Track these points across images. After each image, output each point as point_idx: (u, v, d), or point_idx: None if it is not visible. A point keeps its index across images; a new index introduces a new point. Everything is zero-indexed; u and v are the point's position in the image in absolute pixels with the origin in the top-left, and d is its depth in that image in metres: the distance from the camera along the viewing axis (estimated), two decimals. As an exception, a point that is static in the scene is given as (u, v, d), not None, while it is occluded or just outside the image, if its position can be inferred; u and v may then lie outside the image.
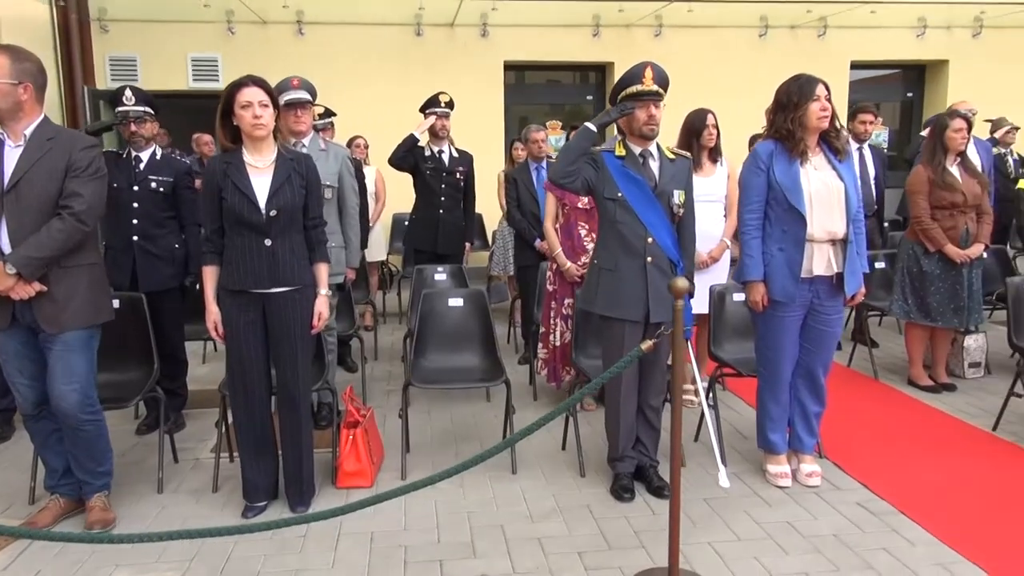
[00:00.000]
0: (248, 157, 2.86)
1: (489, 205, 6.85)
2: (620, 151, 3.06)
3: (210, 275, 2.93)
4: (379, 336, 5.95)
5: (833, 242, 3.04)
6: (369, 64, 8.10)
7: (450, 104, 5.00)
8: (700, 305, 3.91)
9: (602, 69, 8.91)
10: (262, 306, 2.90)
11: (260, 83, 2.81)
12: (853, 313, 5.47)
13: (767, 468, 3.35)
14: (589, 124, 2.96)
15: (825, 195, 3.00)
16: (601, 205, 3.07)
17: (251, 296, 2.88)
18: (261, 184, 2.84)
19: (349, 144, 6.30)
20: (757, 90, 8.70)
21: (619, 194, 2.99)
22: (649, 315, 3.01)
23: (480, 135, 7.99)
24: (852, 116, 5.53)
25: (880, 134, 9.42)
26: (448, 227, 5.05)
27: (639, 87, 2.97)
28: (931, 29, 9.01)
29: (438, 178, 5.02)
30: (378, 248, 6.35)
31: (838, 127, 3.10)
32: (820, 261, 3.03)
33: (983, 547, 2.74)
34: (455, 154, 5.11)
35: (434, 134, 5.01)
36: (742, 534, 2.88)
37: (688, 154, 3.20)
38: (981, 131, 6.73)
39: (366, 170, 6.25)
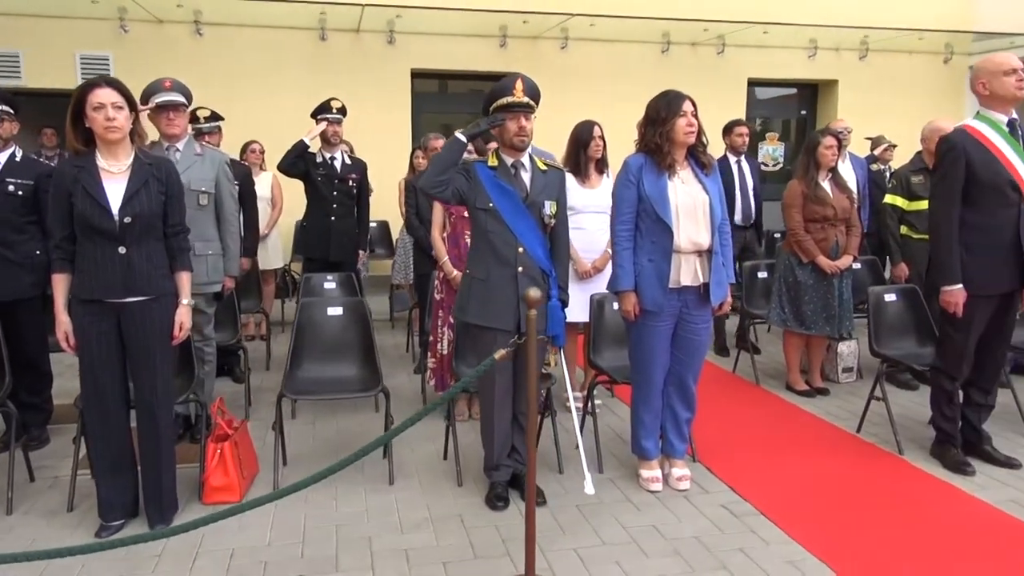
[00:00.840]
0: (102, 161, 2.75)
1: (395, 213, 6.80)
2: (493, 162, 3.09)
3: (60, 283, 2.80)
4: (273, 346, 5.81)
5: (699, 253, 3.14)
6: (271, 68, 7.93)
7: (342, 110, 4.94)
8: (581, 314, 3.98)
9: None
10: (116, 316, 2.78)
11: (114, 84, 2.71)
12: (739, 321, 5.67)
13: (640, 473, 3.43)
14: (459, 135, 2.98)
15: (691, 207, 3.10)
16: (473, 215, 3.08)
17: (104, 306, 2.76)
18: (115, 190, 2.73)
19: (244, 149, 6.15)
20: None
21: (490, 204, 3.01)
22: (520, 324, 3.04)
23: (387, 143, 7.94)
24: (728, 130, 5.76)
25: (776, 149, 9.86)
26: (340, 235, 4.98)
27: (510, 99, 3.01)
28: (821, 50, 9.47)
29: (330, 185, 4.95)
30: (275, 255, 6.21)
31: (704, 142, 3.21)
32: (687, 272, 3.13)
33: (832, 544, 2.88)
34: (348, 161, 5.05)
35: (325, 140, 4.94)
36: (608, 539, 2.94)
37: (561, 166, 3.25)
38: (864, 148, 7.15)
39: (262, 176, 6.13)
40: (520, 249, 3.03)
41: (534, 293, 2.33)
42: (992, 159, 3.36)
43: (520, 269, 3.03)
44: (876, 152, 7.17)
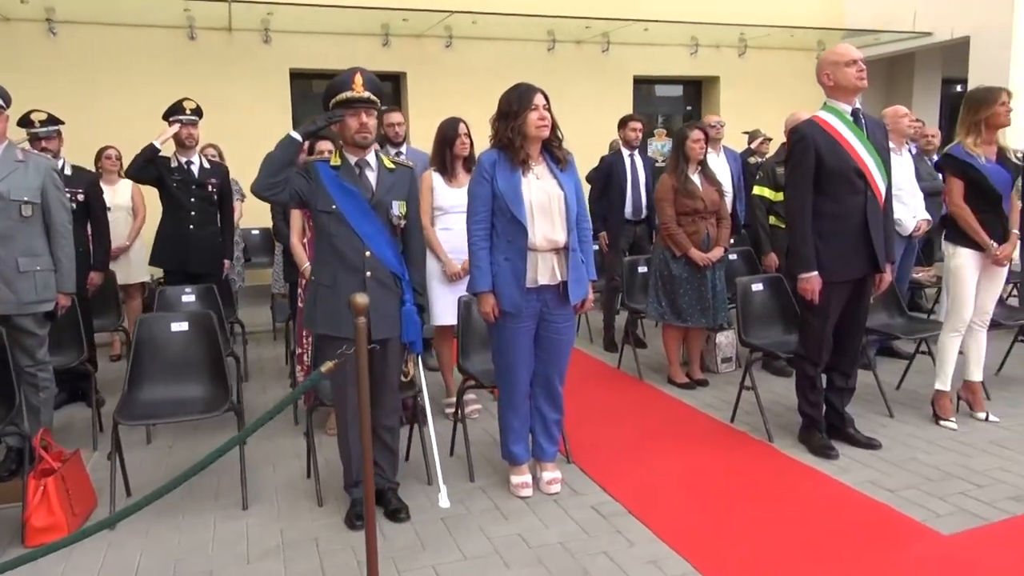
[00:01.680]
0: None
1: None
2: (335, 161, 2.91)
3: None
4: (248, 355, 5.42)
5: (556, 251, 3.06)
6: (134, 69, 7.43)
7: (197, 111, 4.64)
8: (453, 316, 3.86)
9: (395, 79, 8.78)
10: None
11: None
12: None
13: (510, 479, 3.33)
14: (293, 133, 2.79)
15: (546, 204, 3.02)
16: (316, 218, 2.90)
17: None
18: None
19: (99, 155, 5.72)
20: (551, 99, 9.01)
21: (333, 206, 2.84)
22: (370, 333, 2.88)
23: (267, 146, 7.55)
24: (622, 124, 5.76)
25: (665, 145, 10.02)
26: (200, 244, 4.67)
27: (349, 94, 2.83)
28: (703, 48, 9.70)
29: (186, 191, 4.63)
30: (139, 268, 5.80)
31: (560, 136, 3.13)
32: (544, 270, 3.04)
33: (694, 539, 2.85)
34: (207, 165, 4.75)
35: (180, 143, 4.63)
36: (470, 552, 2.81)
37: (411, 163, 3.11)
38: (743, 142, 7.33)
39: (120, 184, 5.72)
40: (367, 253, 2.86)
41: (360, 299, 2.18)
42: (839, 148, 3.44)
43: (368, 274, 2.87)
44: (753, 145, 7.35)
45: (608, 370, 5.34)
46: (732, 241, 5.81)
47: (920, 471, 3.44)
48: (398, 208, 2.92)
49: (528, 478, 3.31)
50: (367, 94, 2.85)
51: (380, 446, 3.09)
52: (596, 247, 6.12)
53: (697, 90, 10.32)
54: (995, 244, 3.81)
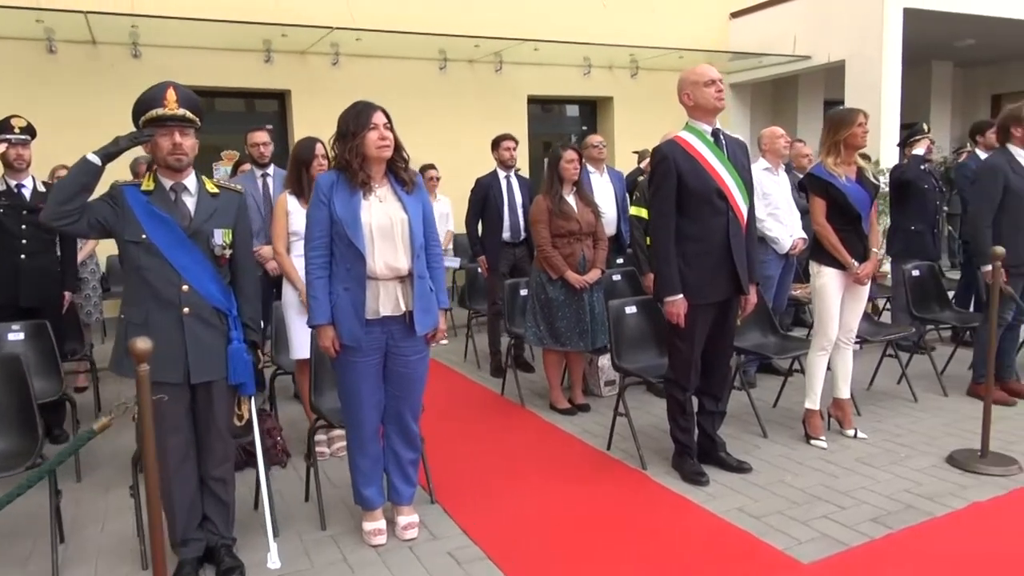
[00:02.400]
0: None
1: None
2: (148, 185, 2.63)
3: None
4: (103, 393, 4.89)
5: (400, 279, 2.85)
6: (-18, 84, 6.86)
7: (27, 130, 4.23)
8: (307, 350, 3.59)
9: (280, 97, 8.44)
10: None
11: None
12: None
13: (362, 526, 3.08)
14: (90, 156, 2.50)
15: (388, 228, 2.81)
16: (124, 250, 2.60)
17: None
18: None
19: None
20: (439, 123, 8.88)
21: (143, 236, 2.55)
22: (190, 375, 2.60)
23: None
24: (495, 144, 5.68)
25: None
26: (33, 275, 4.23)
27: (160, 111, 2.56)
28: (596, 68, 9.78)
29: (16, 217, 4.20)
30: None
31: (405, 157, 2.94)
32: (387, 300, 2.83)
33: (551, 585, 2.68)
34: (41, 188, 4.32)
35: (8, 165, 4.20)
36: (305, 615, 2.56)
37: (239, 187, 2.85)
38: (632, 161, 7.36)
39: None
40: (184, 287, 2.58)
41: (141, 345, 1.91)
42: (700, 169, 3.38)
43: (186, 310, 2.59)
44: (642, 165, 7.39)
45: (491, 397, 5.16)
46: (621, 261, 5.78)
47: (787, 495, 3.38)
48: (221, 237, 2.66)
49: (381, 524, 3.07)
50: (182, 111, 2.59)
51: (210, 498, 2.80)
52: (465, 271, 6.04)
53: (593, 110, 10.39)
54: (856, 263, 3.84)
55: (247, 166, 5.24)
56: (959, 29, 10.08)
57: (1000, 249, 3.62)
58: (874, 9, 8.55)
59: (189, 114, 2.60)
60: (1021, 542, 2.92)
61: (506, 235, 5.53)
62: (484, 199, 5.60)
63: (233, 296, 2.73)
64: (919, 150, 5.79)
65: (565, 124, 10.41)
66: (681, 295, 3.40)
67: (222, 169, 7.96)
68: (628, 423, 3.86)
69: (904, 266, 5.24)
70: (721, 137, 3.47)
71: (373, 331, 2.83)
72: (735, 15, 10.43)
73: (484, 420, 4.64)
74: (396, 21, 7.94)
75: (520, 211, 5.55)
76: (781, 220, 5.11)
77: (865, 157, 6.63)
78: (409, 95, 8.71)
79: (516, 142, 5.73)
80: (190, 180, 2.67)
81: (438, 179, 7.01)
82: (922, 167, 5.79)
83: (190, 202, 2.65)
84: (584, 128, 10.39)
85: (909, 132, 5.95)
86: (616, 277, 5.37)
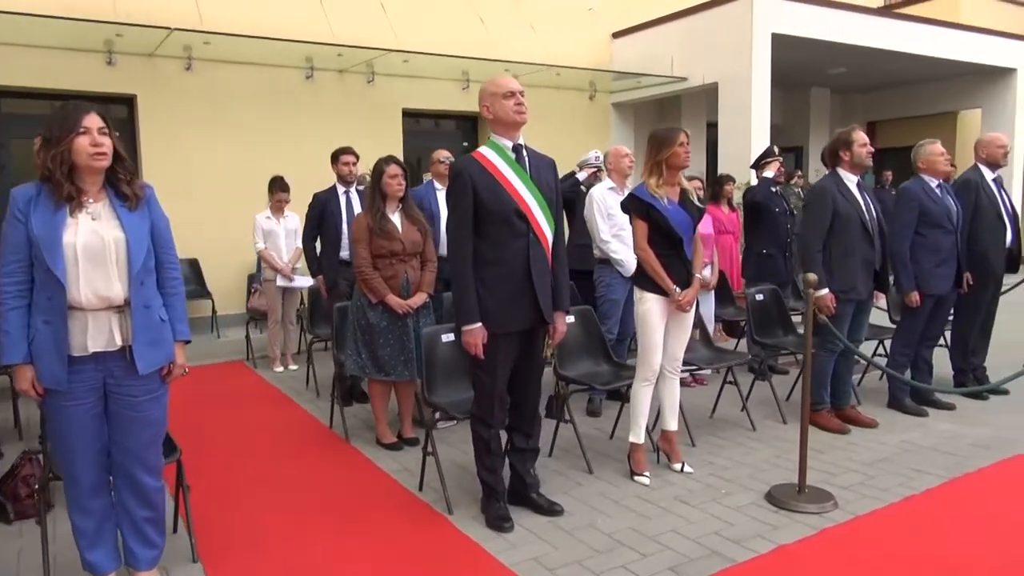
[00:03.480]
0: None
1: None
2: None
3: None
4: None
5: (116, 309, 2.44)
6: None
7: None
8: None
9: (128, 101, 7.81)
10: None
11: None
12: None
13: (91, 597, 2.63)
14: None
15: (99, 251, 2.40)
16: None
17: None
18: None
19: None
20: (307, 133, 8.44)
21: None
22: None
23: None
24: (335, 158, 5.33)
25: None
26: None
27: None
28: (476, 83, 9.54)
29: None
30: None
31: (129, 168, 2.53)
32: (97, 334, 2.41)
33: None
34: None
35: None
36: None
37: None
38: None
39: None
40: None
41: None
42: (497, 187, 3.12)
43: None
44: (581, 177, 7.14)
45: (318, 431, 4.76)
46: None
47: (592, 541, 3.12)
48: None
49: (108, 594, 2.63)
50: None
51: None
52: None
53: (474, 126, 10.15)
54: (678, 289, 3.65)
55: None
56: (830, 57, 10.38)
57: (813, 276, 3.50)
58: (744, 34, 8.65)
59: None
60: (818, 590, 2.74)
61: (344, 254, 5.16)
62: (321, 215, 5.23)
63: None
64: (769, 173, 5.77)
65: (444, 139, 10.11)
66: (479, 323, 3.11)
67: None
68: (436, 464, 3.54)
69: (749, 290, 5.15)
70: (524, 153, 3.22)
71: (84, 370, 2.41)
72: (617, 35, 10.43)
73: (296, 458, 4.23)
74: (252, 25, 7.49)
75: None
76: (626, 241, 4.92)
77: (729, 180, 6.66)
78: (273, 104, 8.26)
79: (357, 157, 5.38)
80: None
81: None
82: (772, 189, 5.76)
83: None
84: (465, 144, 10.13)
85: (761, 154, 5.92)
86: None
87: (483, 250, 3.13)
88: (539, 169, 3.24)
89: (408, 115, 9.26)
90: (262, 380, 6.12)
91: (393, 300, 4.13)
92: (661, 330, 3.72)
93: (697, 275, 3.75)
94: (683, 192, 3.75)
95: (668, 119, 11.42)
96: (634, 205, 3.70)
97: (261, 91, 8.19)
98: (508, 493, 3.47)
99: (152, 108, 7.69)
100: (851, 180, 4.34)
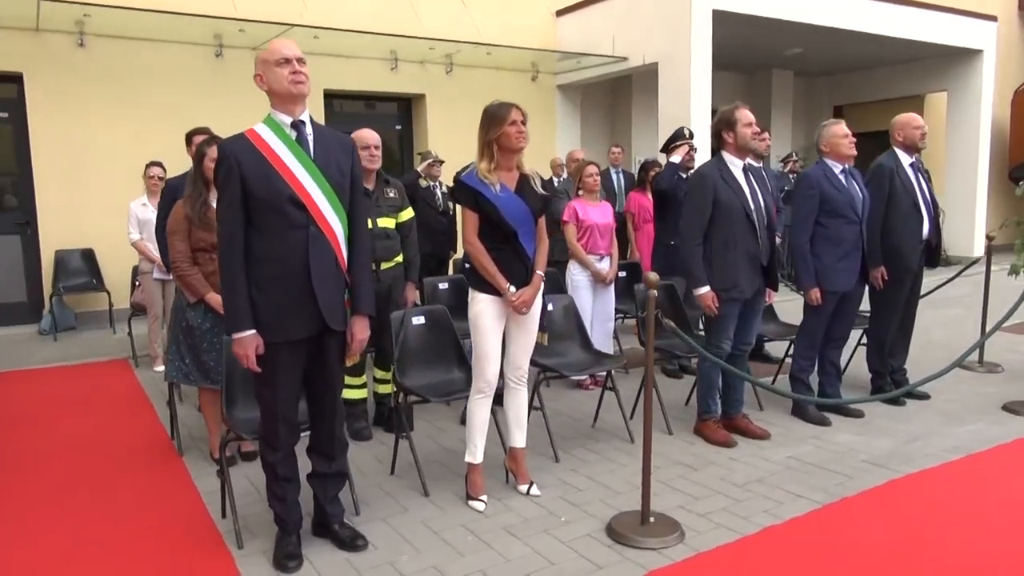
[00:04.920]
0: None
1: None
2: None
3: None
4: None
5: None
6: None
7: None
8: None
9: (15, 80, 7.29)
10: None
11: None
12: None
13: None
14: None
15: None
16: None
17: None
18: None
19: None
20: (217, 112, 7.90)
21: None
22: None
23: None
24: (188, 140, 4.83)
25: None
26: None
27: None
28: (405, 63, 9.04)
29: None
30: None
31: None
32: None
33: None
34: None
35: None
36: None
37: None
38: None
39: None
40: None
41: None
42: (269, 170, 2.65)
43: None
44: (421, 168, 6.70)
45: (158, 443, 4.29)
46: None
47: (383, 585, 2.68)
48: None
49: None
50: None
51: None
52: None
53: (408, 107, 9.65)
54: (512, 288, 3.19)
55: None
56: (784, 37, 9.87)
57: (653, 276, 3.03)
58: (683, 10, 8.14)
59: None
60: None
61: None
62: (172, 203, 4.73)
63: None
64: (676, 157, 5.29)
65: (377, 122, 9.59)
66: (252, 331, 2.66)
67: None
68: (227, 491, 3.09)
69: (638, 286, 4.68)
70: (306, 130, 2.74)
71: None
72: (560, 13, 9.90)
73: (107, 475, 3.76)
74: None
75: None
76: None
77: (655, 165, 6.16)
78: (177, 84, 7.76)
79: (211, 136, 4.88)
80: None
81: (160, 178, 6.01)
82: (681, 175, 5.29)
83: None
84: (398, 128, 9.64)
85: (670, 137, 5.44)
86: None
87: (256, 245, 2.67)
88: (327, 150, 2.76)
89: (333, 97, 8.75)
90: (135, 381, 5.65)
91: (214, 299, 3.66)
92: (496, 335, 3.26)
93: (539, 272, 3.28)
94: (523, 178, 3.28)
95: (619, 101, 10.94)
96: (461, 193, 3.23)
97: (163, 70, 7.69)
98: (313, 524, 3.05)
99: (41, 88, 7.18)
100: (736, 164, 3.87)
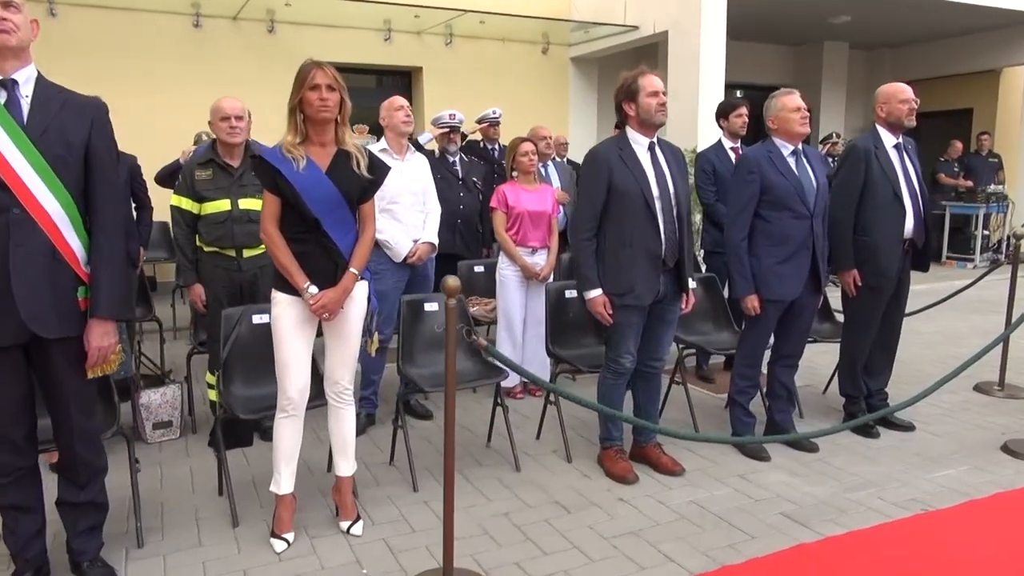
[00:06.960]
0: None
1: None
2: None
3: None
4: None
5: None
6: None
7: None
8: None
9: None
10: None
11: None
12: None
13: None
14: None
15: None
16: None
17: None
18: None
19: None
20: (196, 85, 7.61)
21: None
22: None
23: None
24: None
25: (367, 143, 8.76)
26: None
27: None
28: (403, 35, 8.50)
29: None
30: None
31: None
32: None
33: None
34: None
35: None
36: None
37: None
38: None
39: None
40: None
41: None
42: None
43: None
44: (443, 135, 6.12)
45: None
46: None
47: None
48: None
49: None
50: None
51: None
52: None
53: (405, 79, 9.11)
54: (311, 288, 2.62)
55: None
56: (826, 3, 8.79)
57: (452, 281, 2.38)
58: (694, -29, 7.26)
59: None
60: None
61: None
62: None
63: None
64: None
65: (370, 96, 9.13)
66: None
67: None
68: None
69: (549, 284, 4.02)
70: (18, 92, 2.24)
71: None
72: (573, -22, 9.13)
73: None
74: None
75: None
76: (399, 218, 3.91)
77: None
78: (154, 55, 7.48)
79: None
80: None
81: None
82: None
83: None
84: (396, 103, 9.11)
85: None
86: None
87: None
88: (48, 116, 2.26)
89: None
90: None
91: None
92: (298, 342, 2.70)
93: (352, 270, 2.70)
94: (340, 155, 2.70)
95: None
96: (259, 171, 2.67)
97: (139, 40, 7.41)
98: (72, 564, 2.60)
99: (13, 59, 7.01)
100: (640, 143, 3.15)
